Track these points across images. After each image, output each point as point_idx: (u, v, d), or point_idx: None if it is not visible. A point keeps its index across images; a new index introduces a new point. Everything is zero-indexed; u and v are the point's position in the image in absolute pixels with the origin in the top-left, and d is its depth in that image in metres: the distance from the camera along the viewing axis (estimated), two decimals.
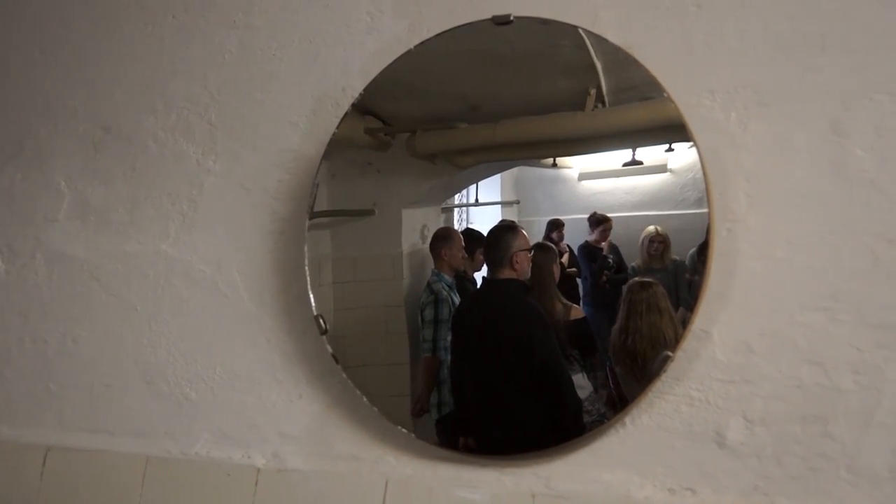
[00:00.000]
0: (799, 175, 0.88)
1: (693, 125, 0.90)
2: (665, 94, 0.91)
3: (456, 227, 1.14)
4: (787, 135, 0.89)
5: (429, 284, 1.08)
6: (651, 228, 0.98)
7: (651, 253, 0.98)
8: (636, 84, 0.93)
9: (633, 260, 1.00)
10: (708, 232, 0.87)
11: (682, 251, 0.94)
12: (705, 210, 0.88)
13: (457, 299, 1.07)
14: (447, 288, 1.08)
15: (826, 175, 0.87)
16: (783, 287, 0.88)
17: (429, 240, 1.10)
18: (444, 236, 1.10)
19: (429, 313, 1.06)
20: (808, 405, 0.85)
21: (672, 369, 0.89)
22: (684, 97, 0.92)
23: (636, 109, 0.97)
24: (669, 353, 0.88)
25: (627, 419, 0.93)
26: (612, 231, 1.01)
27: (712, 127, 0.92)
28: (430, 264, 1.09)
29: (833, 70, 0.88)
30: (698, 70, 0.94)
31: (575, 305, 1.02)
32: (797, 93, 0.89)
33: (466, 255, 1.08)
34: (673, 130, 0.91)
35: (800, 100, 0.89)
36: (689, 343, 0.89)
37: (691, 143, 0.90)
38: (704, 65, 0.93)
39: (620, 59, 0.93)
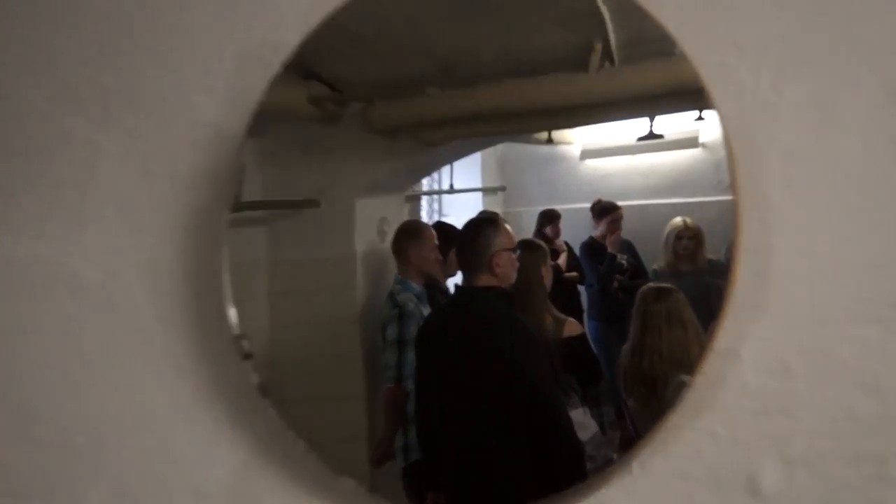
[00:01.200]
0: (848, 151, 0.78)
1: (714, 89, 0.79)
2: (678, 51, 0.80)
3: (426, 220, 1.07)
4: (833, 101, 0.79)
5: (391, 295, 1.01)
6: (678, 221, 0.92)
7: (679, 252, 0.91)
8: (653, 36, 0.80)
9: (654, 261, 0.92)
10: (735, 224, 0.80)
11: (719, 249, 0.86)
12: None
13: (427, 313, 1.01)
14: (415, 299, 1.00)
15: (881, 151, 0.77)
16: (830, 292, 0.77)
17: (390, 237, 1.02)
18: (411, 232, 1.03)
19: (392, 332, 0.99)
20: (862, 441, 0.75)
21: (690, 399, 0.78)
22: (703, 54, 0.80)
23: (654, 68, 0.86)
24: (686, 378, 0.77)
25: (635, 463, 0.79)
26: (622, 223, 0.93)
27: (739, 92, 0.80)
28: (393, 269, 1.03)
29: (891, 19, 0.77)
30: (722, 19, 0.82)
31: (570, 319, 0.95)
32: (845, 49, 0.79)
33: (440, 257, 0.99)
34: (691, 96, 0.79)
35: (848, 57, 0.79)
36: (711, 365, 0.78)
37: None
38: (730, 12, 0.82)
39: (632, 5, 0.83)
